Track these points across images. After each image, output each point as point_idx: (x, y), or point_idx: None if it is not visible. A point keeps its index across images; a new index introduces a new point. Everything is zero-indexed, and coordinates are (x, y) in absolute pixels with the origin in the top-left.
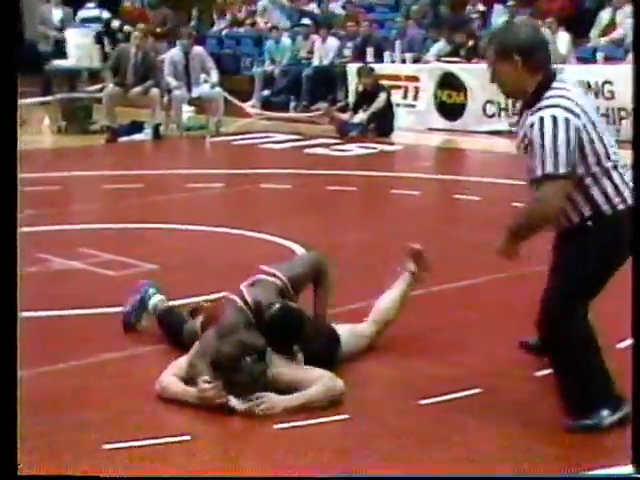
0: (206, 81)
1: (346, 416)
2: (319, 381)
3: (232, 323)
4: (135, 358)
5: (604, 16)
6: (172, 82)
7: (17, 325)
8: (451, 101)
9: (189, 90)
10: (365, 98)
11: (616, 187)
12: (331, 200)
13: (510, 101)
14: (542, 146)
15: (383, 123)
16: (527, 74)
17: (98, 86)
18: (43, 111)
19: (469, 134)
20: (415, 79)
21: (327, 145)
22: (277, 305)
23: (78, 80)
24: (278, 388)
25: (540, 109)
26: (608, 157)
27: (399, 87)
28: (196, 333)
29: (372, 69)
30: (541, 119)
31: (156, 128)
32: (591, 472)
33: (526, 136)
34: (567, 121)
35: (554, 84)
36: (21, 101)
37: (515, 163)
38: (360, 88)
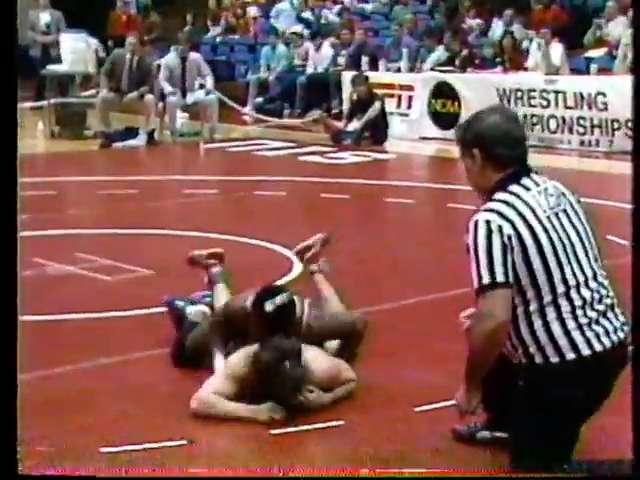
0: (202, 87)
1: (341, 422)
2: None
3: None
4: (133, 362)
5: (597, 26)
6: (167, 88)
7: (17, 324)
8: (445, 110)
9: (184, 96)
10: (359, 106)
11: (548, 330)
12: (325, 208)
13: None
14: (476, 255)
15: (377, 131)
16: (489, 170)
17: (92, 91)
18: (37, 116)
19: None
20: (409, 88)
21: (321, 153)
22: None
23: (72, 85)
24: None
25: (480, 211)
26: (565, 282)
27: (393, 96)
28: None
29: (366, 77)
30: (475, 223)
31: (150, 134)
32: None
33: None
34: (500, 228)
35: (511, 186)
36: None
37: None
38: (354, 96)
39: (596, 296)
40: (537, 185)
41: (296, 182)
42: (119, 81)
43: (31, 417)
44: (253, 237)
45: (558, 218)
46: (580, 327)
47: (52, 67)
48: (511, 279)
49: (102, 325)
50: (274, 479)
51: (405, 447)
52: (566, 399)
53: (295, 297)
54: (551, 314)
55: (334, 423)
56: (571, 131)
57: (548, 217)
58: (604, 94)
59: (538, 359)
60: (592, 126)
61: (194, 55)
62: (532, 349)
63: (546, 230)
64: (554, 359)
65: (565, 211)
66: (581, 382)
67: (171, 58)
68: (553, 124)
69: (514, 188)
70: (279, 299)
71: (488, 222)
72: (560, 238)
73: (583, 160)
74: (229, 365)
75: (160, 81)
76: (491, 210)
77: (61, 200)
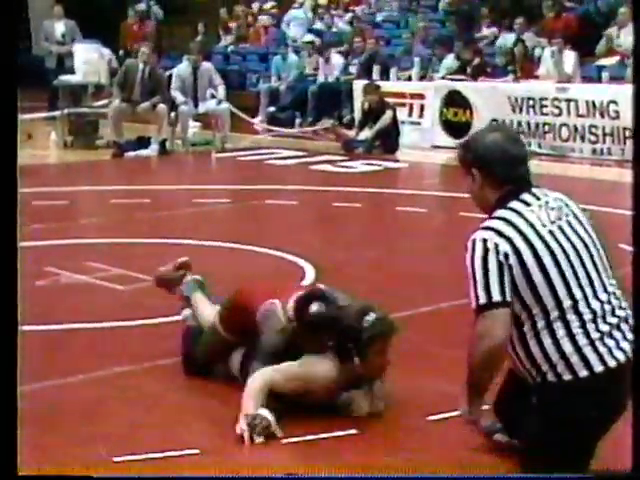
0: (213, 96)
1: (354, 431)
2: None
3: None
4: (145, 372)
5: (609, 35)
6: (179, 97)
7: (17, 327)
8: (456, 119)
9: (196, 106)
10: (371, 115)
11: (558, 346)
12: (337, 217)
13: (515, 120)
14: (473, 275)
15: (388, 140)
16: (489, 189)
17: (105, 101)
18: (50, 126)
19: None
20: (421, 97)
21: (332, 162)
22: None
23: (85, 95)
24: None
25: (478, 229)
26: (571, 296)
27: (404, 104)
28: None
29: (378, 86)
30: (473, 242)
31: (162, 144)
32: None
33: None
34: (496, 246)
35: (511, 202)
36: (28, 116)
37: None
38: (366, 105)
39: (607, 308)
40: (537, 199)
41: (307, 191)
42: (131, 91)
43: (43, 425)
44: (265, 246)
45: (561, 230)
46: (592, 343)
47: (65, 77)
48: (509, 297)
49: (114, 334)
50: (274, 479)
51: (417, 456)
52: (581, 417)
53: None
54: (560, 330)
55: (346, 432)
56: (583, 139)
57: (550, 231)
58: (616, 102)
59: (551, 377)
60: (604, 134)
61: (206, 65)
62: (544, 367)
63: (547, 245)
64: (567, 377)
65: (569, 222)
66: (595, 399)
67: (183, 68)
68: (565, 132)
69: (513, 204)
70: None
71: (484, 240)
72: (564, 251)
73: (595, 168)
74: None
75: (172, 91)
76: (488, 228)
77: (74, 209)
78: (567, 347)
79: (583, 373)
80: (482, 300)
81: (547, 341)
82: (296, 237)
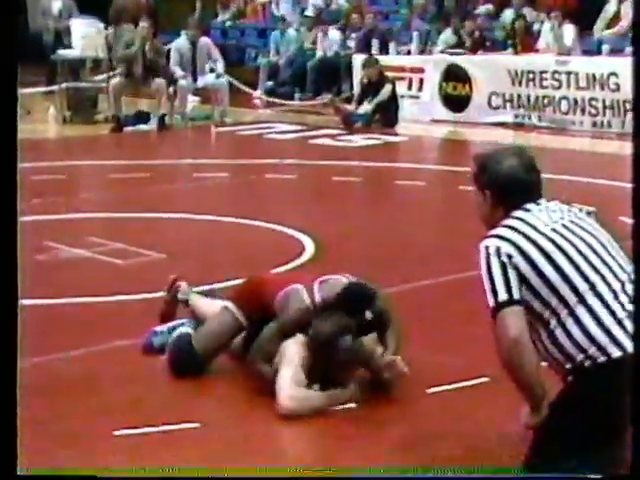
0: (212, 70)
1: (355, 404)
2: None
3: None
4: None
5: (609, 8)
6: (178, 72)
7: (17, 318)
8: (456, 93)
9: (194, 80)
10: (370, 89)
11: (587, 332)
12: (336, 191)
13: (515, 93)
14: (483, 281)
15: (388, 114)
16: (499, 210)
17: (104, 76)
18: (48, 101)
19: (474, 125)
20: (420, 70)
21: (332, 136)
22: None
23: (83, 70)
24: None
25: (484, 237)
26: (586, 279)
27: (404, 78)
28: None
29: (377, 60)
30: (480, 251)
31: (162, 118)
32: None
33: None
34: (498, 249)
35: (514, 212)
36: (26, 90)
37: None
38: (365, 79)
39: (629, 287)
40: (537, 205)
41: (307, 165)
42: (131, 66)
43: (46, 399)
44: (264, 220)
45: (565, 227)
46: (619, 322)
47: (63, 52)
48: (516, 295)
49: (115, 308)
50: (274, 479)
51: (417, 429)
52: (616, 398)
53: None
54: (584, 316)
55: (347, 405)
56: (583, 112)
57: (552, 229)
58: (616, 75)
59: (587, 364)
60: (604, 107)
61: (204, 40)
62: (579, 357)
63: (552, 240)
64: (601, 359)
65: (572, 221)
66: (628, 379)
67: (181, 43)
68: (565, 105)
69: (516, 213)
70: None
71: (487, 247)
72: (571, 243)
73: (595, 141)
74: (294, 353)
75: (171, 65)
76: (490, 236)
77: (72, 184)
78: (594, 330)
79: (616, 354)
80: (491, 303)
81: (575, 330)
82: (295, 211)
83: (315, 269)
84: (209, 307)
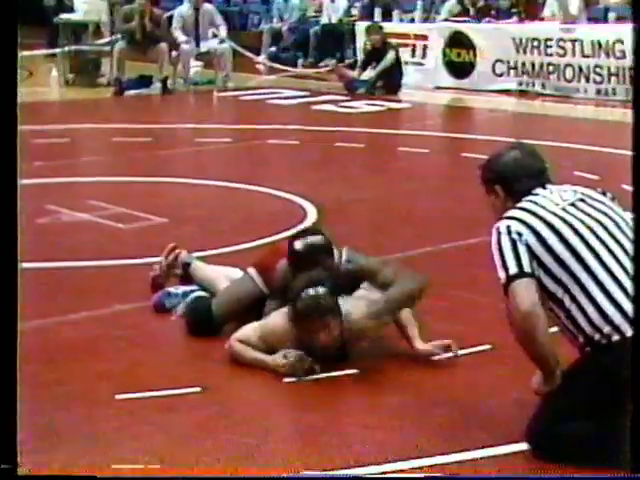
0: (215, 36)
1: (355, 371)
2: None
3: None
4: (146, 310)
5: None
6: (180, 36)
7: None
8: (460, 60)
9: (197, 45)
10: (373, 56)
11: (601, 311)
12: (339, 157)
13: (520, 60)
14: (495, 260)
15: (391, 81)
16: (511, 203)
17: (106, 39)
18: (51, 64)
19: (478, 92)
20: (424, 38)
21: (335, 102)
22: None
23: (85, 34)
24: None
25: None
26: (597, 256)
27: (407, 45)
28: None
29: (381, 27)
30: (492, 235)
31: (164, 82)
32: None
33: None
34: (508, 227)
35: (526, 197)
36: (28, 52)
37: (523, 121)
38: (368, 46)
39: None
40: (547, 189)
41: (310, 131)
42: (133, 32)
43: (46, 363)
44: (267, 186)
45: (576, 207)
46: (633, 299)
47: (65, 15)
48: (527, 268)
49: (116, 272)
50: (274, 479)
51: (422, 396)
52: (626, 376)
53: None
54: (597, 293)
55: (348, 372)
56: (588, 80)
57: (563, 208)
58: (622, 41)
59: (603, 341)
60: (609, 74)
61: (207, 6)
62: (596, 336)
63: (563, 219)
64: (615, 337)
65: (583, 200)
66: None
67: (184, 9)
68: (569, 73)
69: (526, 198)
70: (310, 239)
71: (497, 228)
72: (582, 221)
73: (600, 109)
74: (270, 319)
75: (173, 30)
76: (502, 218)
77: (75, 147)
78: (608, 308)
79: (630, 332)
80: (502, 279)
81: (589, 309)
82: (298, 177)
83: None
84: (214, 272)
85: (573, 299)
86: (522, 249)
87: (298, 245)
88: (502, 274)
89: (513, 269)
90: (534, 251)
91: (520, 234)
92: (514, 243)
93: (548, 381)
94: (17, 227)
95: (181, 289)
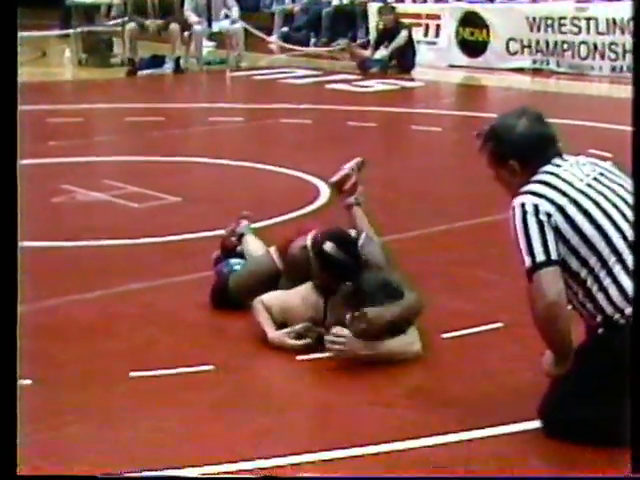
0: (227, 16)
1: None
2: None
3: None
4: (160, 289)
5: None
6: (192, 17)
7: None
8: (473, 38)
9: (209, 25)
10: (386, 35)
11: (623, 291)
12: (352, 136)
13: (534, 39)
14: (518, 241)
15: (404, 59)
16: (527, 175)
17: (118, 20)
18: (63, 44)
19: (491, 71)
20: (436, 17)
21: (348, 81)
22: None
23: (97, 15)
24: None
25: (517, 195)
26: (624, 237)
27: (420, 25)
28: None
29: (393, 7)
30: (513, 208)
31: (177, 62)
32: None
33: None
34: (536, 207)
35: (545, 167)
36: (41, 33)
37: (536, 99)
38: (381, 25)
39: None
40: (566, 160)
41: (323, 110)
42: (145, 13)
43: (62, 341)
44: (279, 165)
45: (598, 181)
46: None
47: None
48: (554, 256)
49: (131, 251)
50: (274, 478)
51: (431, 374)
52: None
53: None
54: (622, 275)
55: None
56: (602, 57)
57: (587, 184)
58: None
59: (622, 321)
60: (624, 51)
61: None
62: (616, 316)
63: (588, 196)
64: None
65: (602, 174)
66: None
67: None
68: (584, 50)
69: (546, 168)
70: (345, 248)
71: (523, 205)
72: (606, 197)
73: (614, 86)
74: (289, 298)
75: (185, 11)
76: (526, 192)
77: (89, 127)
78: (631, 288)
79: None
80: (528, 263)
81: (612, 290)
82: (311, 156)
83: (330, 214)
84: (256, 248)
85: (596, 279)
86: (549, 233)
87: (329, 247)
88: (528, 259)
89: (540, 256)
90: (563, 233)
91: (549, 215)
92: (542, 226)
93: (560, 364)
94: (17, 208)
95: (238, 260)
